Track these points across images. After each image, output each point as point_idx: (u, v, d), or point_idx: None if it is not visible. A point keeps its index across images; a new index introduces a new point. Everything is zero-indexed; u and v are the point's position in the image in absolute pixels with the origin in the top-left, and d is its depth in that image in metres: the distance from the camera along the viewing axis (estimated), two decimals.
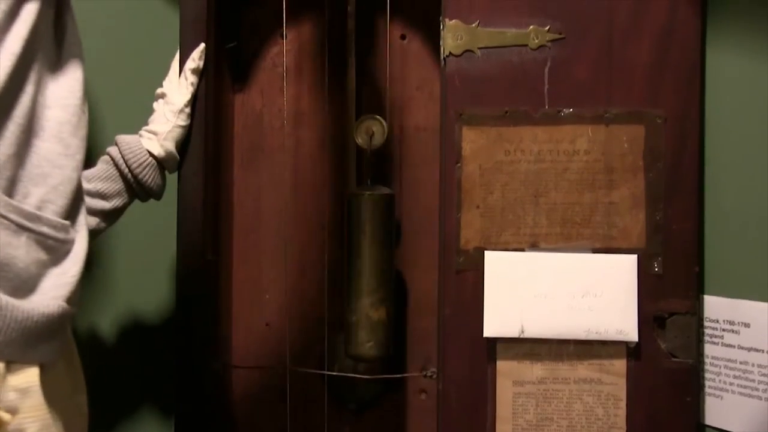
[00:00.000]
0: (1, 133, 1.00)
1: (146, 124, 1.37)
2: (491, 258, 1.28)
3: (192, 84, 1.36)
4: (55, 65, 1.09)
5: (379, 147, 1.46)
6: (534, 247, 1.29)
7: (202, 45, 1.37)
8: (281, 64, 1.52)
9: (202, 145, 1.38)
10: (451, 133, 1.29)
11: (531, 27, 1.28)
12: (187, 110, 1.35)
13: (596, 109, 1.27)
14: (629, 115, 1.27)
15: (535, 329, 1.27)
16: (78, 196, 1.09)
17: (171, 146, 1.34)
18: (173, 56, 1.40)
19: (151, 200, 1.38)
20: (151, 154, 1.33)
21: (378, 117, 1.44)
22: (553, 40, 1.28)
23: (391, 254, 1.45)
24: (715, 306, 1.27)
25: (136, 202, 1.36)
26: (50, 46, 1.08)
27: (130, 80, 1.54)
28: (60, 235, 1.05)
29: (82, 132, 1.10)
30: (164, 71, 1.40)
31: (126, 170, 1.32)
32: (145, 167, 1.32)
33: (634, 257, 1.27)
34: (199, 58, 1.36)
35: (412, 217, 1.52)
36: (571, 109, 1.28)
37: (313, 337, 1.53)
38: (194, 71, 1.36)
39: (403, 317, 1.53)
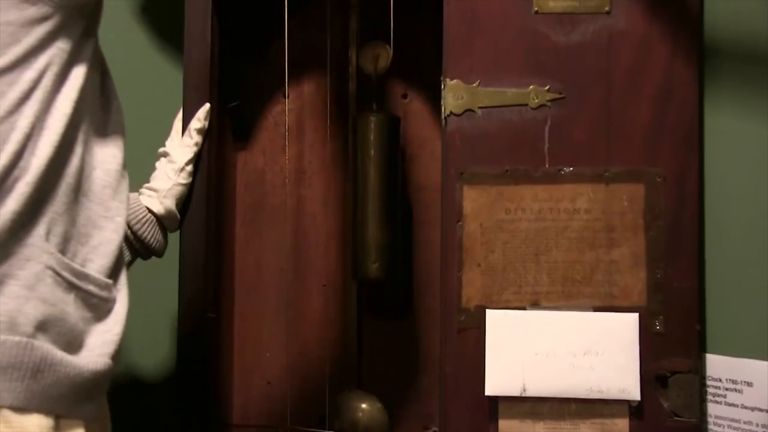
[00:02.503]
0: (54, 192, 1.02)
1: (148, 182, 1.38)
2: (492, 316, 1.28)
3: (196, 144, 1.37)
4: (101, 129, 1.11)
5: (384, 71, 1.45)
6: (535, 305, 1.29)
7: (207, 105, 1.38)
8: (283, 122, 1.54)
9: (204, 203, 1.39)
10: (452, 191, 1.30)
11: (531, 87, 1.30)
12: (189, 168, 1.36)
13: (596, 168, 1.28)
14: (629, 174, 1.28)
15: (537, 388, 1.27)
16: (119, 256, 1.12)
17: (171, 204, 1.35)
18: (176, 115, 1.41)
19: (153, 257, 1.38)
20: (151, 211, 1.34)
21: (383, 43, 1.43)
22: (553, 100, 1.29)
23: (397, 178, 1.45)
24: (717, 365, 1.27)
25: (139, 260, 1.37)
26: (97, 109, 1.11)
27: (132, 139, 1.55)
28: (104, 294, 1.08)
29: (122, 195, 1.13)
30: (167, 130, 1.41)
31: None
32: (144, 224, 1.33)
33: (635, 315, 1.26)
34: (205, 118, 1.38)
35: (413, 274, 1.52)
36: (571, 168, 1.29)
37: (315, 396, 1.52)
38: (199, 131, 1.37)
39: (405, 372, 1.52)
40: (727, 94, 1.29)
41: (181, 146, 1.38)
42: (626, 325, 1.26)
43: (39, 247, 1.00)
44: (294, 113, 1.55)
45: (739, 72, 1.29)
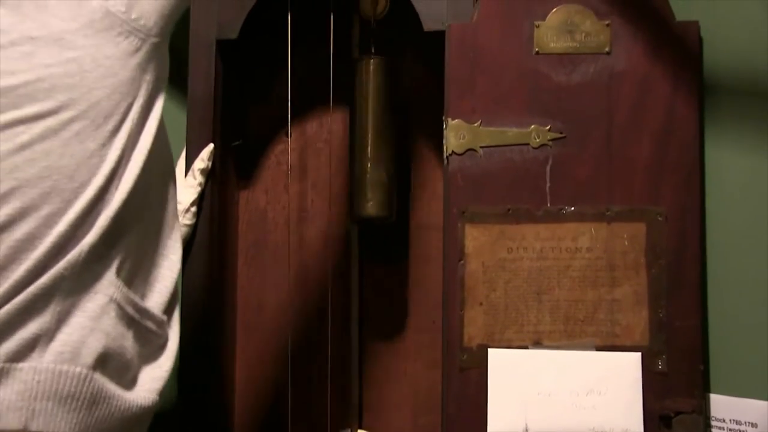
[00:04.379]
0: (130, 226, 1.04)
1: None
2: (495, 356, 1.28)
3: (200, 184, 1.38)
4: (165, 165, 1.14)
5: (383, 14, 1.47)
6: (537, 344, 1.28)
7: (211, 146, 1.39)
8: (286, 162, 1.55)
9: (207, 241, 1.39)
10: (454, 230, 1.30)
11: (532, 126, 1.30)
12: (194, 209, 1.37)
13: (598, 207, 1.29)
14: (630, 212, 1.28)
15: (540, 428, 1.26)
16: (174, 294, 1.13)
17: (180, 245, 1.35)
18: (179, 155, 1.42)
19: None
20: None
21: None
22: (554, 139, 1.30)
23: (393, 119, 1.45)
24: (721, 405, 1.26)
25: None
26: (163, 145, 1.12)
27: None
28: (159, 331, 1.10)
29: (178, 233, 1.15)
30: None
31: None
32: None
33: (638, 355, 1.26)
34: (208, 159, 1.38)
35: (415, 313, 1.52)
36: (573, 207, 1.29)
37: None
38: (203, 171, 1.38)
39: (408, 414, 1.51)
40: (728, 132, 1.30)
41: (185, 186, 1.38)
42: (629, 365, 1.26)
43: (109, 280, 1.01)
44: (296, 152, 1.56)
45: (739, 110, 1.30)
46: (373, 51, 1.47)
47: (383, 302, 1.53)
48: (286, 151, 1.55)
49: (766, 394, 1.23)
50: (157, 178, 1.10)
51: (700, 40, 1.30)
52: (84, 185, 0.98)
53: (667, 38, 1.30)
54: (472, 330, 1.29)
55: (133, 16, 1.01)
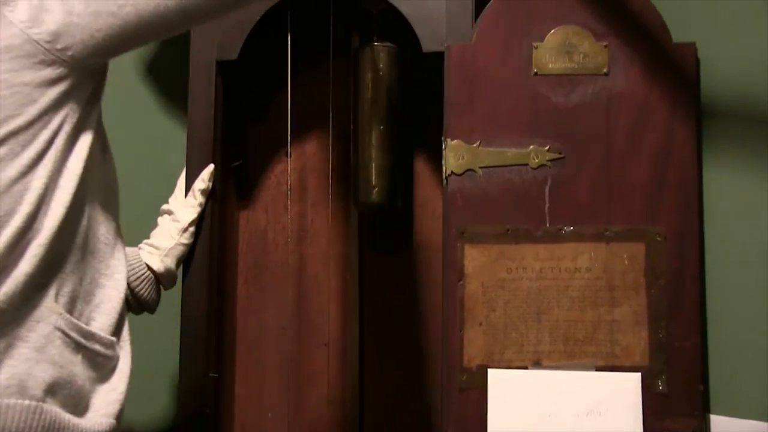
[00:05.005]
0: (64, 252, 1.02)
1: (148, 238, 1.38)
2: (494, 376, 1.27)
3: (200, 204, 1.38)
4: (102, 187, 1.12)
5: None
6: (537, 364, 1.28)
7: (212, 166, 1.39)
8: (285, 182, 1.55)
9: (207, 262, 1.40)
10: (454, 250, 1.30)
11: (531, 147, 1.31)
12: (192, 229, 1.37)
13: (597, 227, 1.29)
14: (629, 232, 1.29)
15: None
16: (121, 313, 1.12)
17: (172, 263, 1.35)
18: (179, 173, 1.42)
19: (154, 315, 1.37)
20: (150, 269, 1.34)
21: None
22: (553, 160, 1.30)
23: (395, 104, 1.45)
24: (721, 426, 1.26)
25: (138, 317, 1.36)
26: (98, 167, 1.11)
27: (136, 196, 1.57)
28: (108, 353, 1.08)
29: (120, 252, 1.13)
30: (170, 188, 1.42)
31: None
32: (143, 281, 1.32)
33: (637, 375, 1.26)
34: (209, 179, 1.39)
35: (414, 333, 1.52)
36: (572, 228, 1.29)
37: None
38: (203, 192, 1.38)
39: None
40: (725, 153, 1.30)
41: (185, 206, 1.38)
42: (629, 385, 1.26)
43: (49, 308, 1.00)
44: (296, 172, 1.56)
45: (736, 131, 1.30)
46: (374, 39, 1.47)
47: (384, 321, 1.53)
48: (286, 171, 1.55)
49: (766, 415, 1.22)
50: (95, 199, 1.08)
51: (698, 61, 1.31)
52: (9, 214, 0.97)
53: (665, 59, 1.30)
54: (472, 350, 1.29)
55: (58, 47, 0.99)
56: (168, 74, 1.61)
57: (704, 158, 1.31)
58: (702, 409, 1.25)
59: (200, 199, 1.38)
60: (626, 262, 1.28)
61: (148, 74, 1.62)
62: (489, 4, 1.33)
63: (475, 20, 1.34)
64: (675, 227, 1.28)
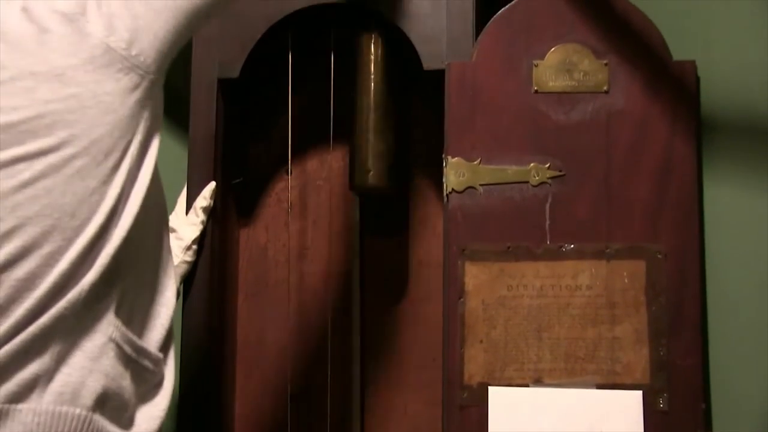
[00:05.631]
0: (129, 264, 1.03)
1: None
2: (495, 394, 1.27)
3: (202, 222, 1.38)
4: (158, 200, 1.12)
5: None
6: (538, 382, 1.28)
7: (213, 184, 1.40)
8: (286, 199, 1.55)
9: (207, 279, 1.40)
10: (454, 268, 1.30)
11: (532, 164, 1.31)
12: (195, 247, 1.37)
13: (597, 245, 1.29)
14: (630, 250, 1.29)
15: None
16: (170, 331, 1.12)
17: (175, 281, 1.35)
18: (180, 191, 1.43)
19: None
20: None
21: None
22: (553, 177, 1.31)
23: (394, 91, 1.44)
24: None
25: None
26: (157, 180, 1.11)
27: None
28: (155, 369, 1.08)
29: (171, 270, 1.13)
30: (171, 206, 1.43)
31: None
32: None
33: (639, 393, 1.26)
34: (210, 197, 1.39)
35: (415, 351, 1.51)
36: (573, 245, 1.29)
37: None
38: (205, 209, 1.38)
39: None
40: (726, 171, 1.31)
41: (187, 223, 1.39)
42: (630, 403, 1.25)
43: (107, 319, 1.00)
44: (297, 190, 1.57)
45: (737, 148, 1.31)
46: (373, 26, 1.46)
47: (385, 339, 1.53)
48: (286, 188, 1.56)
49: None
50: (153, 215, 1.09)
51: (697, 79, 1.31)
52: (85, 223, 0.97)
53: (665, 77, 1.31)
54: (473, 368, 1.29)
55: (133, 53, 1.00)
56: (169, 92, 1.61)
57: (705, 175, 1.31)
58: (703, 427, 1.25)
59: (202, 216, 1.38)
60: (627, 279, 1.28)
61: None
62: (489, 22, 1.34)
63: (476, 38, 1.34)
64: (676, 245, 1.28)
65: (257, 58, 1.44)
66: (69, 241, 0.97)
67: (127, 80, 1.00)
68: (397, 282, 1.53)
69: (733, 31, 1.31)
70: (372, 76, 1.44)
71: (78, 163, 0.97)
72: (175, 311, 1.37)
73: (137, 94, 1.01)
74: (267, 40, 1.42)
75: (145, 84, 1.02)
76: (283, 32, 1.47)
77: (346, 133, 1.50)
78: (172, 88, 1.59)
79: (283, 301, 1.53)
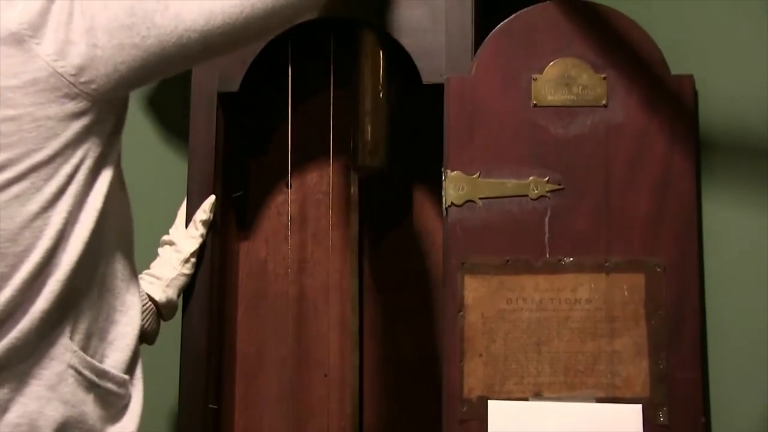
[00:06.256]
0: (82, 288, 1.01)
1: (148, 268, 1.38)
2: (495, 407, 1.27)
3: (201, 235, 1.38)
4: (120, 222, 1.11)
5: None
6: (538, 396, 1.28)
7: (213, 197, 1.40)
8: (286, 212, 1.55)
9: (207, 292, 1.40)
10: (453, 281, 1.30)
11: (531, 178, 1.31)
12: (194, 260, 1.37)
13: (596, 258, 1.29)
14: (629, 263, 1.29)
15: None
16: (135, 351, 1.10)
17: (173, 294, 1.35)
18: (180, 204, 1.43)
19: (154, 346, 1.37)
20: (151, 299, 1.33)
21: None
22: (552, 191, 1.31)
23: (391, 79, 1.45)
24: None
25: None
26: (117, 202, 1.10)
27: (136, 226, 1.57)
28: (121, 391, 1.06)
29: (135, 287, 1.12)
30: (171, 219, 1.43)
31: None
32: (145, 312, 1.31)
33: (638, 407, 1.26)
34: (210, 210, 1.39)
35: (414, 364, 1.51)
36: (572, 258, 1.29)
37: None
38: (204, 222, 1.38)
39: None
40: (724, 185, 1.31)
41: (186, 236, 1.39)
42: (630, 417, 1.25)
43: (63, 345, 0.98)
44: (296, 203, 1.57)
45: (735, 162, 1.31)
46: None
47: (384, 352, 1.53)
48: (286, 201, 1.56)
49: None
50: (112, 235, 1.07)
51: (695, 93, 1.32)
52: (29, 249, 0.96)
53: (663, 92, 1.31)
54: (472, 381, 1.29)
55: (82, 80, 0.98)
56: (169, 106, 1.62)
57: (703, 189, 1.31)
58: None
59: (201, 229, 1.38)
60: (626, 293, 1.28)
61: (149, 105, 1.63)
62: (488, 36, 1.34)
63: (475, 52, 1.35)
64: (675, 258, 1.28)
65: (257, 72, 1.44)
66: (12, 268, 0.95)
67: (73, 105, 0.98)
68: (397, 295, 1.53)
69: (731, 46, 1.31)
70: (368, 65, 1.45)
71: (16, 189, 0.95)
72: (174, 323, 1.39)
73: (86, 120, 1.00)
74: (267, 54, 1.42)
75: (95, 111, 1.01)
76: (283, 46, 1.48)
77: (347, 147, 1.50)
78: (171, 101, 1.61)
79: (283, 314, 1.53)
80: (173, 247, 1.39)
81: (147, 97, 1.62)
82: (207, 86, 1.43)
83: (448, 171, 1.32)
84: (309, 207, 1.57)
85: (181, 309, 1.40)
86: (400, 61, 1.42)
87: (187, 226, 1.40)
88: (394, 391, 1.52)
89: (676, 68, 1.31)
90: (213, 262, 1.41)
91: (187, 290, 1.39)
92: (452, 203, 1.31)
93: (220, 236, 1.44)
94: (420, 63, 1.37)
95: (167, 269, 1.36)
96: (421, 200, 1.55)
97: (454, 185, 1.32)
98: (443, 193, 1.32)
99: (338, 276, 1.55)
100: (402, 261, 1.53)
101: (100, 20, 1.00)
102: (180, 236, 1.40)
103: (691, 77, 1.32)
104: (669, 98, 1.31)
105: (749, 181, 1.29)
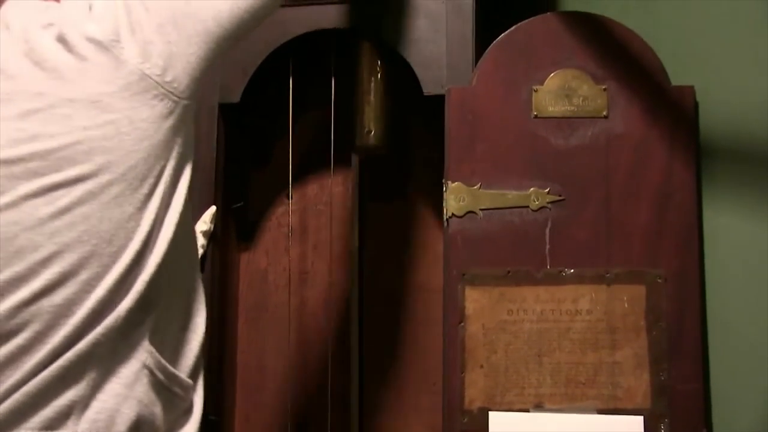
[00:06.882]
0: (163, 291, 1.02)
1: None
2: (496, 419, 1.27)
3: (202, 246, 1.38)
4: (190, 226, 1.12)
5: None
6: (538, 407, 1.28)
7: (213, 208, 1.40)
8: (286, 224, 1.55)
9: (208, 303, 1.39)
10: (454, 292, 1.30)
11: (531, 189, 1.31)
12: None
13: (597, 269, 1.29)
14: (630, 274, 1.29)
15: None
16: (199, 357, 1.11)
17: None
18: None
19: None
20: None
21: None
22: (553, 202, 1.31)
23: (391, 66, 1.44)
24: None
25: None
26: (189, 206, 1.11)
27: None
28: (185, 395, 1.08)
29: (202, 295, 1.13)
30: None
31: None
32: None
33: (640, 419, 1.25)
34: (211, 221, 1.39)
35: (415, 376, 1.51)
36: (573, 269, 1.29)
37: None
38: (205, 233, 1.39)
39: None
40: (725, 195, 1.31)
41: None
42: (631, 428, 1.25)
43: (142, 345, 1.00)
44: (297, 214, 1.57)
45: (735, 173, 1.31)
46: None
47: (385, 363, 1.53)
48: (286, 213, 1.56)
49: None
50: (186, 241, 1.09)
51: (696, 104, 1.32)
52: (122, 249, 0.98)
53: (663, 102, 1.31)
54: (473, 393, 1.28)
55: (167, 79, 1.01)
56: None
57: (704, 200, 1.31)
58: None
59: (202, 240, 1.38)
60: (627, 304, 1.28)
61: None
62: (489, 47, 1.34)
63: (476, 64, 1.35)
64: (675, 269, 1.28)
65: (258, 83, 1.44)
66: (106, 268, 0.97)
67: (162, 106, 1.01)
68: (397, 306, 1.53)
69: (732, 57, 1.32)
70: (367, 56, 1.45)
71: (115, 190, 0.97)
72: None
73: (171, 120, 1.02)
74: (268, 65, 1.43)
75: (178, 110, 1.03)
76: (284, 57, 1.48)
77: (347, 157, 1.50)
78: None
79: (284, 325, 1.53)
80: None
81: None
82: (208, 97, 1.43)
83: (449, 182, 1.32)
84: (309, 218, 1.57)
85: None
86: (401, 73, 1.42)
87: None
88: (394, 402, 1.52)
89: (676, 79, 1.31)
90: (213, 273, 1.41)
91: None
92: (453, 214, 1.32)
93: (221, 247, 1.45)
94: (421, 74, 1.37)
95: None
96: (421, 211, 1.54)
97: (455, 196, 1.32)
98: (444, 204, 1.32)
99: (339, 287, 1.55)
100: (403, 272, 1.53)
101: (166, 14, 1.02)
102: None
103: (691, 88, 1.32)
104: (669, 109, 1.31)
105: (750, 191, 1.29)
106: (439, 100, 1.35)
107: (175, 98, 1.02)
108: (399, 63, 1.41)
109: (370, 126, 1.43)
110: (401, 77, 1.44)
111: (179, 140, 1.04)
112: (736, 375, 1.26)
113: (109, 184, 0.97)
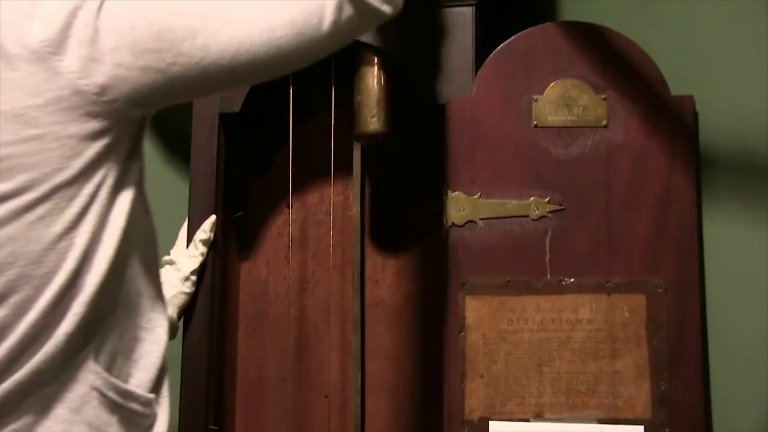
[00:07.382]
0: (107, 309, 0.99)
1: None
2: (496, 429, 1.27)
3: (202, 254, 1.38)
4: (143, 240, 1.08)
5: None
6: (539, 416, 1.27)
7: (213, 217, 1.40)
8: (287, 233, 1.55)
9: (207, 313, 1.40)
10: (455, 302, 1.30)
11: (532, 198, 1.31)
12: (193, 278, 1.37)
13: (597, 279, 1.29)
14: (630, 284, 1.29)
15: None
16: (161, 369, 1.08)
17: (173, 312, 1.35)
18: (181, 224, 1.43)
19: None
20: None
21: None
22: (553, 211, 1.31)
23: (390, 56, 1.43)
24: None
25: None
26: (140, 221, 1.07)
27: None
28: (146, 411, 1.05)
29: (161, 305, 1.10)
30: (172, 240, 1.43)
31: None
32: None
33: (640, 428, 1.25)
34: (210, 230, 1.39)
35: (416, 385, 1.51)
36: (573, 279, 1.29)
37: None
38: (204, 242, 1.39)
39: None
40: (725, 204, 1.31)
41: (187, 255, 1.39)
42: None
43: (88, 367, 0.97)
44: (297, 223, 1.57)
45: (735, 182, 1.31)
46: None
47: (385, 373, 1.53)
48: (287, 222, 1.56)
49: None
50: (137, 251, 1.05)
51: (695, 114, 1.32)
52: (54, 270, 0.94)
53: (663, 112, 1.31)
54: (473, 402, 1.28)
55: (105, 99, 0.96)
56: (171, 126, 1.62)
57: (704, 209, 1.31)
58: None
59: (202, 249, 1.38)
60: (627, 313, 1.28)
61: (151, 126, 1.63)
62: (489, 57, 1.35)
63: (476, 73, 1.35)
64: (675, 279, 1.28)
65: (258, 93, 1.45)
66: (38, 290, 0.93)
67: (95, 124, 0.96)
68: (397, 316, 1.53)
69: (731, 67, 1.32)
70: (367, 50, 1.44)
71: (40, 210, 0.93)
72: (175, 344, 1.38)
73: (107, 138, 0.97)
74: None
75: (119, 127, 0.98)
76: None
77: (347, 166, 1.50)
78: (173, 122, 1.61)
79: (284, 335, 1.53)
80: (173, 266, 1.39)
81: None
82: (208, 107, 1.43)
83: (449, 191, 1.32)
84: (310, 227, 1.57)
85: (181, 329, 1.40)
86: (401, 83, 1.42)
87: (188, 245, 1.41)
88: (395, 412, 1.52)
89: (676, 89, 1.32)
90: (214, 282, 1.41)
91: (187, 311, 1.39)
92: (453, 223, 1.32)
93: (221, 256, 1.45)
94: (422, 84, 1.37)
95: (167, 288, 1.35)
96: (421, 220, 1.54)
97: (455, 205, 1.32)
98: (444, 214, 1.33)
99: (339, 296, 1.55)
100: (403, 281, 1.53)
101: (127, 40, 0.97)
102: (180, 255, 1.40)
103: (691, 98, 1.32)
104: (669, 119, 1.31)
105: (750, 200, 1.29)
106: (439, 110, 1.36)
107: (112, 118, 0.97)
108: (400, 74, 1.41)
109: (373, 111, 1.43)
110: (401, 87, 1.44)
111: (117, 159, 0.99)
112: (737, 384, 1.26)
113: (34, 203, 0.93)
